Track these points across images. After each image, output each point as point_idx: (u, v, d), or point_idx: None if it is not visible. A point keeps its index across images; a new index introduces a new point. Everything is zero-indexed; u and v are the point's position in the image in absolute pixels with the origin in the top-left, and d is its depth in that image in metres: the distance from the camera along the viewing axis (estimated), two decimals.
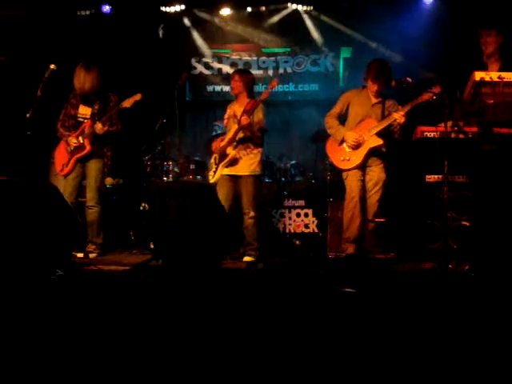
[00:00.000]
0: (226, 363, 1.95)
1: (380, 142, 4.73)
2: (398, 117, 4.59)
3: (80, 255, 4.94)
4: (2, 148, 5.93)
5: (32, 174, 5.19)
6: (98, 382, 1.83)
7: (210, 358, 1.98)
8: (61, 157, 5.17)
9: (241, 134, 4.96)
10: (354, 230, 4.79)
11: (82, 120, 5.11)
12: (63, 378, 1.84)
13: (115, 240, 5.69)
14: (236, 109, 5.08)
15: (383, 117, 4.80)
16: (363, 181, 4.83)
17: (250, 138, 4.96)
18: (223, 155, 5.00)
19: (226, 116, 5.20)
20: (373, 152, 4.79)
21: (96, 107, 5.09)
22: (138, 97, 4.95)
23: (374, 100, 4.86)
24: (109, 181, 6.01)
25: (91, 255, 4.99)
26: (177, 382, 1.85)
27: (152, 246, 5.18)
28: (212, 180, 5.06)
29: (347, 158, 4.83)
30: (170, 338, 2.19)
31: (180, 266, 3.94)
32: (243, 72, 5.30)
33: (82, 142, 5.04)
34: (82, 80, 5.06)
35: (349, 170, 4.83)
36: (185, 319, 2.42)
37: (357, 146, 4.78)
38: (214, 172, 5.04)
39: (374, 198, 4.81)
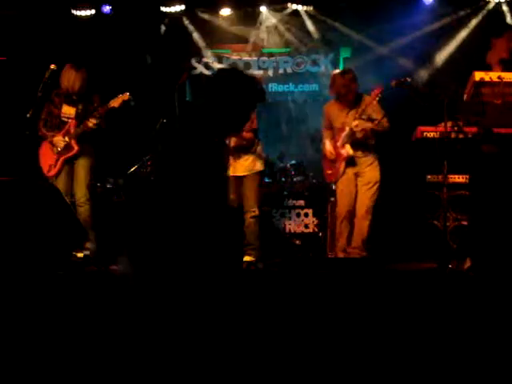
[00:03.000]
0: (225, 363, 1.95)
1: (349, 153, 4.61)
2: (354, 127, 4.54)
3: (80, 255, 4.93)
4: (2, 148, 5.93)
5: (32, 173, 5.19)
6: (98, 382, 1.83)
7: (210, 358, 1.98)
8: (46, 157, 5.08)
9: (233, 142, 4.96)
10: (342, 242, 4.78)
11: (65, 120, 5.07)
12: (63, 377, 1.84)
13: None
14: None
15: None
16: (356, 186, 4.73)
17: (243, 141, 4.96)
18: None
19: None
20: (356, 160, 4.69)
21: (80, 107, 5.06)
22: (125, 96, 4.91)
23: (347, 109, 4.79)
24: (118, 182, 6.00)
25: (90, 255, 4.99)
26: (177, 381, 1.85)
27: None
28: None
29: (330, 171, 4.80)
30: (170, 337, 2.19)
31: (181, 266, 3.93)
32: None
33: (68, 142, 5.02)
34: (72, 80, 5.02)
35: (334, 182, 4.79)
36: (185, 319, 2.42)
37: (335, 158, 4.74)
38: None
39: (365, 196, 4.66)
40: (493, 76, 3.85)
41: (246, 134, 4.94)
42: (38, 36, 6.88)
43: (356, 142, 4.69)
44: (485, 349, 2.06)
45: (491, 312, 2.50)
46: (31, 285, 3.09)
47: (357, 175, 4.70)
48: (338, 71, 5.02)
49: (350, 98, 4.74)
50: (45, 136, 5.08)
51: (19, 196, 3.65)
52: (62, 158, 5.04)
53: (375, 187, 4.65)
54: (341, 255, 4.73)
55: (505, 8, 6.93)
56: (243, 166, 4.95)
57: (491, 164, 3.94)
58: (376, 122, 4.60)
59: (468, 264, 3.93)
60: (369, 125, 4.56)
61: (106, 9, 7.34)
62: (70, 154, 5.03)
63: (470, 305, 2.70)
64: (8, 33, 6.72)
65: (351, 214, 4.73)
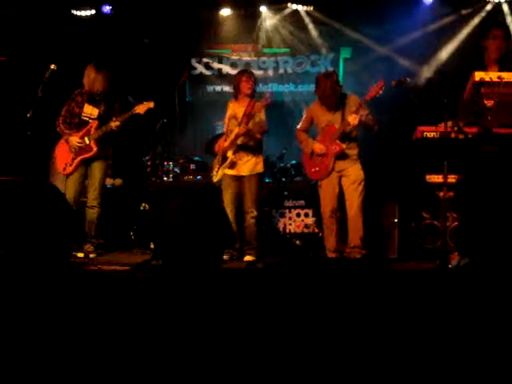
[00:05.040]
0: (225, 363, 1.95)
1: (342, 146, 4.66)
2: (352, 120, 4.55)
3: (80, 255, 4.93)
4: (2, 148, 5.93)
5: (32, 173, 5.18)
6: (98, 382, 1.83)
7: (210, 358, 1.98)
8: (63, 155, 5.08)
9: (240, 140, 4.96)
10: (332, 242, 4.78)
11: (86, 119, 5.07)
12: (62, 377, 1.84)
13: (115, 240, 5.68)
14: (237, 109, 5.07)
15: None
16: (340, 186, 4.76)
17: (250, 141, 4.97)
18: (224, 157, 5.01)
19: (226, 116, 5.20)
20: (342, 156, 4.72)
21: (102, 108, 5.07)
22: (151, 104, 4.96)
23: (333, 108, 4.80)
24: (118, 182, 6.03)
25: (91, 255, 4.99)
26: (177, 381, 1.85)
27: (152, 246, 5.18)
28: (215, 179, 5.07)
29: (317, 168, 4.82)
30: (170, 338, 2.19)
31: (180, 266, 3.94)
32: (252, 73, 5.37)
33: (87, 143, 5.00)
34: (92, 80, 5.05)
35: (320, 179, 4.81)
36: (185, 319, 2.42)
37: (323, 156, 4.75)
38: (217, 172, 5.06)
39: (353, 194, 4.69)
40: (493, 76, 3.85)
41: (258, 136, 4.98)
42: (38, 36, 6.88)
43: (342, 140, 4.73)
44: (485, 349, 2.06)
45: (491, 313, 2.50)
46: (31, 284, 3.09)
47: (341, 175, 4.75)
48: (321, 73, 5.11)
49: (335, 99, 4.76)
50: (62, 133, 5.09)
51: (19, 196, 3.65)
52: (78, 158, 5.03)
53: (362, 185, 4.70)
54: (332, 255, 4.73)
55: (505, 8, 6.93)
56: (245, 166, 4.98)
57: (491, 164, 3.94)
58: (365, 114, 4.66)
59: (456, 261, 3.98)
60: (363, 119, 4.62)
61: (106, 9, 7.35)
62: (88, 155, 5.02)
63: (470, 305, 2.70)
64: (8, 33, 6.72)
65: (335, 211, 4.77)
